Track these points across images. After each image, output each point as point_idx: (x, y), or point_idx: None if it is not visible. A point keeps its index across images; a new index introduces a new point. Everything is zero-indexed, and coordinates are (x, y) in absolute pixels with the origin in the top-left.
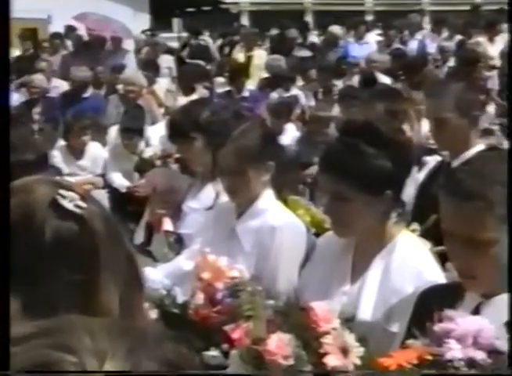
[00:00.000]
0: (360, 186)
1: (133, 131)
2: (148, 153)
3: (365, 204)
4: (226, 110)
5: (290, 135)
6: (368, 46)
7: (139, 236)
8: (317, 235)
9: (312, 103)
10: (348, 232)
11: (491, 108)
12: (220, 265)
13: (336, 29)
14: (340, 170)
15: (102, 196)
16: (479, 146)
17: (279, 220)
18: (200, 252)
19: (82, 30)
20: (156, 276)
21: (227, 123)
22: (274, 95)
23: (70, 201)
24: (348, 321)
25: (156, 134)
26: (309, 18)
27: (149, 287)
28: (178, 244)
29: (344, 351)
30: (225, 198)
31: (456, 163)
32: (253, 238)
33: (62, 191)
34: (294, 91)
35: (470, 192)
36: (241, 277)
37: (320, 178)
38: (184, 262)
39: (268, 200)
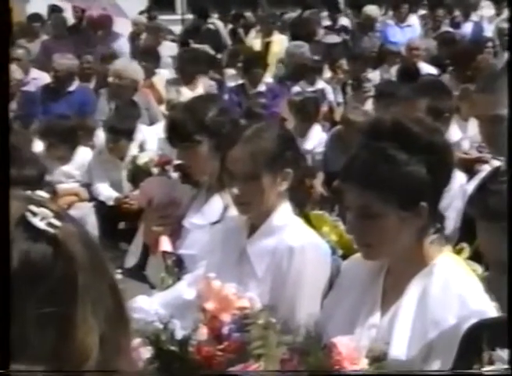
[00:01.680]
0: (390, 198)
1: (120, 132)
2: (143, 159)
3: (396, 220)
4: (238, 108)
5: (315, 138)
6: (411, 30)
7: (132, 258)
8: (345, 257)
9: (341, 99)
10: (378, 253)
11: None
12: (227, 294)
13: (372, 9)
14: (366, 180)
15: (88, 210)
16: None
17: (298, 239)
18: (204, 277)
19: (67, 11)
20: (151, 306)
21: (238, 123)
22: (296, 90)
23: (41, 219)
24: (378, 360)
25: (153, 136)
26: None
27: (142, 320)
28: (178, 267)
29: None
30: (234, 212)
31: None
32: (267, 261)
33: (32, 207)
34: (320, 84)
35: (502, 211)
36: (252, 308)
37: (344, 190)
38: (185, 289)
39: (285, 215)
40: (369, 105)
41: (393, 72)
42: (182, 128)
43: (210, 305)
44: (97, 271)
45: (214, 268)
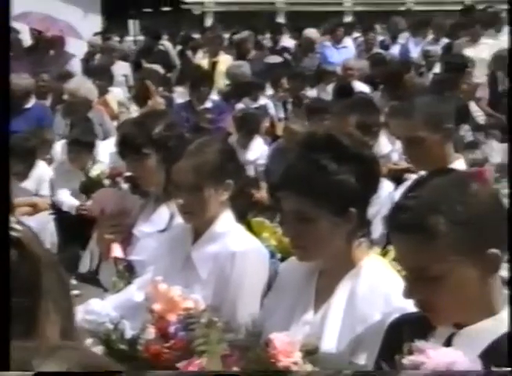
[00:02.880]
0: (322, 204)
1: (82, 144)
2: (95, 171)
3: (328, 225)
4: (186, 123)
5: (257, 150)
6: (346, 51)
7: (86, 264)
8: (283, 260)
9: (282, 114)
10: (311, 255)
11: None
12: (173, 296)
13: (312, 32)
14: (301, 188)
15: (47, 219)
16: (459, 161)
17: (239, 245)
18: (152, 281)
19: (24, 32)
20: (102, 308)
21: (185, 137)
22: (240, 106)
23: None
24: (311, 354)
25: (105, 150)
26: (281, 20)
27: (94, 321)
28: (129, 272)
29: None
30: (179, 220)
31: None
32: (210, 265)
33: None
34: (263, 101)
35: (408, 224)
36: (196, 308)
37: (281, 197)
38: (135, 292)
39: (227, 223)
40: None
41: (329, 90)
42: (132, 141)
43: (157, 307)
44: (53, 270)
45: (161, 272)
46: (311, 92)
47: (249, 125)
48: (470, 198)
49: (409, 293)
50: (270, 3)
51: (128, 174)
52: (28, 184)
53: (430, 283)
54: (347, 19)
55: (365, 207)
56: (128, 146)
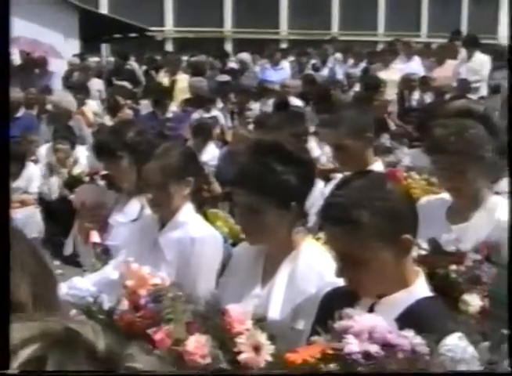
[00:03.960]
0: (269, 199)
1: (66, 142)
2: (76, 170)
3: (274, 216)
4: (151, 131)
5: (210, 153)
6: (283, 72)
7: (69, 248)
8: (234, 244)
9: (230, 123)
10: (259, 240)
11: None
12: (143, 274)
13: (244, 56)
14: (252, 185)
15: (34, 212)
16: (377, 165)
17: (198, 232)
18: (125, 262)
19: (14, 54)
20: (83, 284)
21: (152, 142)
22: (196, 116)
23: None
24: (260, 321)
25: (84, 153)
26: (228, 46)
27: (77, 296)
28: (105, 254)
29: (257, 349)
30: (148, 211)
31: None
32: (174, 248)
33: None
34: (215, 112)
35: (337, 217)
36: (163, 284)
37: (234, 192)
38: (111, 271)
39: (187, 214)
40: (250, 127)
41: (269, 104)
42: (108, 146)
43: (130, 283)
44: (20, 240)
45: (133, 254)
46: (255, 106)
47: (203, 132)
48: (387, 194)
49: (339, 273)
50: (218, 31)
51: (105, 173)
52: (20, 183)
53: (357, 265)
54: (283, 45)
55: (303, 201)
56: (104, 150)
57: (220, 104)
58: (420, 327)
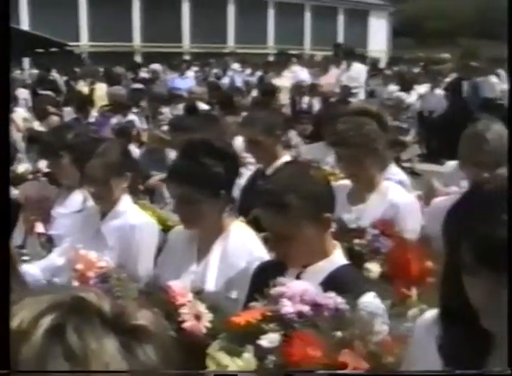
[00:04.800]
0: (202, 189)
1: None
2: (21, 169)
3: (206, 203)
4: (88, 133)
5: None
6: (189, 80)
7: (17, 239)
8: (163, 230)
9: (145, 126)
10: (194, 225)
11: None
12: (90, 258)
13: (156, 66)
14: (185, 178)
15: None
16: (285, 157)
17: (136, 220)
18: (72, 248)
19: None
20: (34, 270)
21: (89, 143)
22: (114, 120)
23: None
24: (199, 294)
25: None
26: (138, 58)
27: (30, 280)
28: (50, 243)
29: (198, 317)
30: (91, 203)
31: (269, 170)
32: (115, 235)
33: None
34: (131, 117)
35: (270, 200)
36: (108, 267)
37: (169, 185)
38: (56, 258)
39: (126, 204)
40: (163, 129)
41: (179, 109)
42: (50, 146)
43: (79, 266)
44: None
45: (77, 242)
46: (166, 110)
47: (124, 134)
48: (311, 180)
49: (271, 248)
50: (129, 46)
51: (47, 170)
52: None
53: (286, 240)
54: (186, 57)
55: (231, 189)
56: (47, 150)
57: (135, 109)
58: (341, 289)
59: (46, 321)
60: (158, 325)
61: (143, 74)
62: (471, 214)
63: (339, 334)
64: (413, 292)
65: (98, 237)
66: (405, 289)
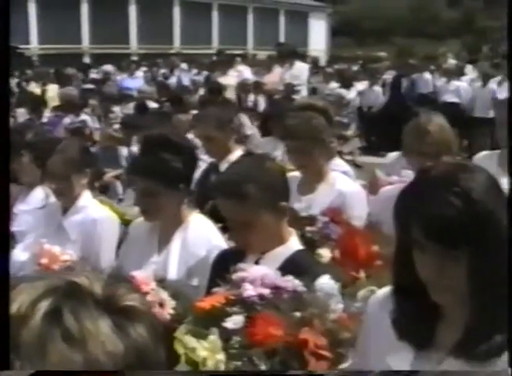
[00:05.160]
0: (162, 183)
1: None
2: None
3: (166, 196)
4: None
5: None
6: (138, 80)
7: None
8: (121, 224)
9: (98, 125)
10: (154, 217)
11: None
12: (54, 252)
13: (108, 67)
14: (145, 173)
15: None
16: (238, 151)
17: (97, 214)
18: (36, 243)
19: None
20: None
21: (49, 141)
22: (67, 120)
23: None
24: (161, 282)
25: None
26: (87, 59)
27: None
28: (12, 239)
29: (161, 305)
30: (53, 199)
31: (222, 164)
32: (77, 229)
33: None
34: (84, 116)
35: (229, 191)
36: (71, 260)
37: (131, 179)
38: (19, 253)
39: (87, 199)
40: (115, 128)
41: (130, 107)
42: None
43: (44, 260)
44: None
45: (40, 237)
46: (117, 109)
47: (78, 134)
48: (268, 171)
49: (231, 236)
50: (78, 48)
51: None
52: None
53: (245, 228)
54: (134, 58)
55: (189, 182)
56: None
57: (87, 109)
58: (297, 272)
59: (44, 305)
60: (146, 305)
61: (93, 74)
62: (420, 196)
63: (298, 314)
64: (362, 274)
65: (60, 232)
66: (354, 272)
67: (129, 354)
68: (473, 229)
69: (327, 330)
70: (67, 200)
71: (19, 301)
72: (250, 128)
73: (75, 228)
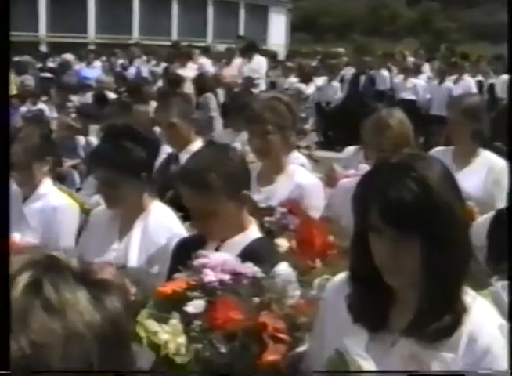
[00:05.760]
0: (124, 172)
1: None
2: None
3: (127, 185)
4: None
5: None
6: (96, 70)
7: None
8: (81, 213)
9: (55, 114)
10: (116, 206)
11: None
12: (14, 239)
13: (68, 56)
14: (107, 162)
15: None
16: (198, 142)
17: (58, 201)
18: None
19: None
20: None
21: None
22: (24, 109)
23: None
24: (122, 269)
25: None
26: (44, 48)
27: None
28: None
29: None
30: (13, 186)
31: (182, 154)
32: (37, 216)
33: None
34: (41, 105)
35: (192, 180)
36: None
37: (93, 169)
38: None
39: (47, 187)
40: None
41: (88, 97)
42: None
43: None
44: None
45: None
46: (74, 98)
47: (34, 123)
48: (230, 161)
49: (193, 224)
50: (34, 36)
51: None
52: None
53: (207, 216)
54: (91, 47)
55: (151, 171)
56: None
57: (44, 98)
58: (256, 259)
59: (24, 277)
60: (118, 279)
61: (50, 63)
62: (379, 182)
63: (257, 299)
64: (318, 263)
65: (20, 220)
66: (311, 261)
67: (105, 324)
68: (428, 215)
69: (285, 314)
70: (28, 188)
71: None
72: (215, 109)
73: (35, 215)
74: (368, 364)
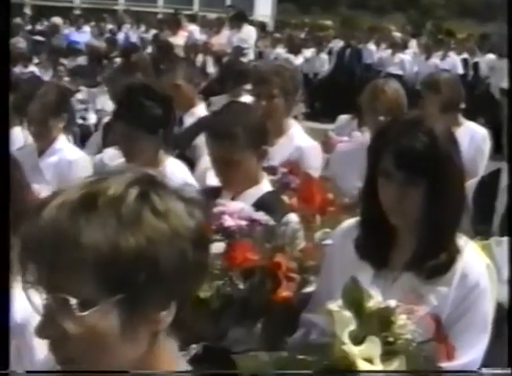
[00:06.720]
0: (141, 128)
1: None
2: None
3: (145, 141)
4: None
5: None
6: (86, 35)
7: None
8: None
9: (47, 78)
10: (133, 160)
11: None
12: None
13: (57, 19)
14: (127, 118)
15: None
16: (201, 106)
17: (72, 156)
18: None
19: None
20: None
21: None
22: (16, 72)
23: None
24: None
25: None
26: (28, 10)
27: None
28: None
29: None
30: (31, 141)
31: (186, 116)
32: (52, 170)
33: None
34: (31, 68)
35: (220, 132)
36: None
37: (116, 124)
38: None
39: (63, 142)
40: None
41: (80, 61)
42: None
43: None
44: None
45: None
46: (66, 62)
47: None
48: (253, 116)
49: (217, 174)
50: None
51: None
52: None
53: (231, 167)
54: (77, 12)
55: (168, 128)
56: None
57: (36, 61)
58: (268, 209)
59: (133, 191)
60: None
61: (38, 26)
62: (394, 134)
63: (269, 245)
64: (317, 219)
65: (36, 173)
66: (311, 217)
67: (196, 230)
68: (434, 163)
69: (295, 257)
70: (44, 142)
71: (114, 187)
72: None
73: (50, 169)
74: (376, 295)
